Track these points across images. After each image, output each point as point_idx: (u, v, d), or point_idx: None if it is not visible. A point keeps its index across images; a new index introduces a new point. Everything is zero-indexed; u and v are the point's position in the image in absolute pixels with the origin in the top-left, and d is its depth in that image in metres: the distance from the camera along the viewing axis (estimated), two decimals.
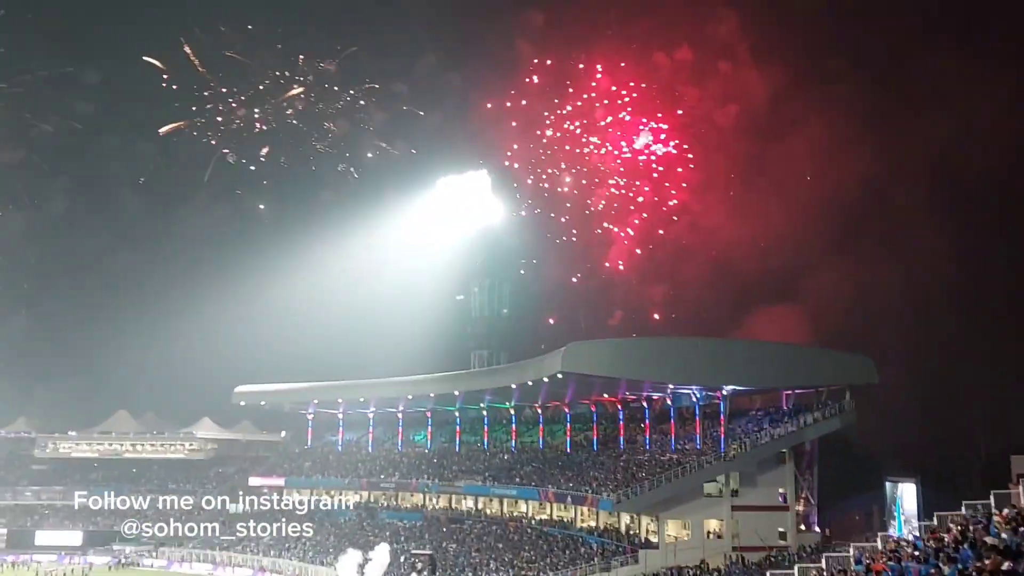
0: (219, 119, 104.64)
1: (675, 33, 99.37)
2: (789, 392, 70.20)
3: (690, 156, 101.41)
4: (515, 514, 78.66)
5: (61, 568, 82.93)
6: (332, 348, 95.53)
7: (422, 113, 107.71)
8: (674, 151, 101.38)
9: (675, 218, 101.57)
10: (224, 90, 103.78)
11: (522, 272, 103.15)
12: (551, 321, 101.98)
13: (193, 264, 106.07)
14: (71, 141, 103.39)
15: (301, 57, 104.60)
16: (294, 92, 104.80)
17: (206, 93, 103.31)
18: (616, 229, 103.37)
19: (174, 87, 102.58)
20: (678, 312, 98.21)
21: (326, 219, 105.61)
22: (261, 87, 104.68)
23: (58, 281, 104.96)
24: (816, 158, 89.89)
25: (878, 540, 34.80)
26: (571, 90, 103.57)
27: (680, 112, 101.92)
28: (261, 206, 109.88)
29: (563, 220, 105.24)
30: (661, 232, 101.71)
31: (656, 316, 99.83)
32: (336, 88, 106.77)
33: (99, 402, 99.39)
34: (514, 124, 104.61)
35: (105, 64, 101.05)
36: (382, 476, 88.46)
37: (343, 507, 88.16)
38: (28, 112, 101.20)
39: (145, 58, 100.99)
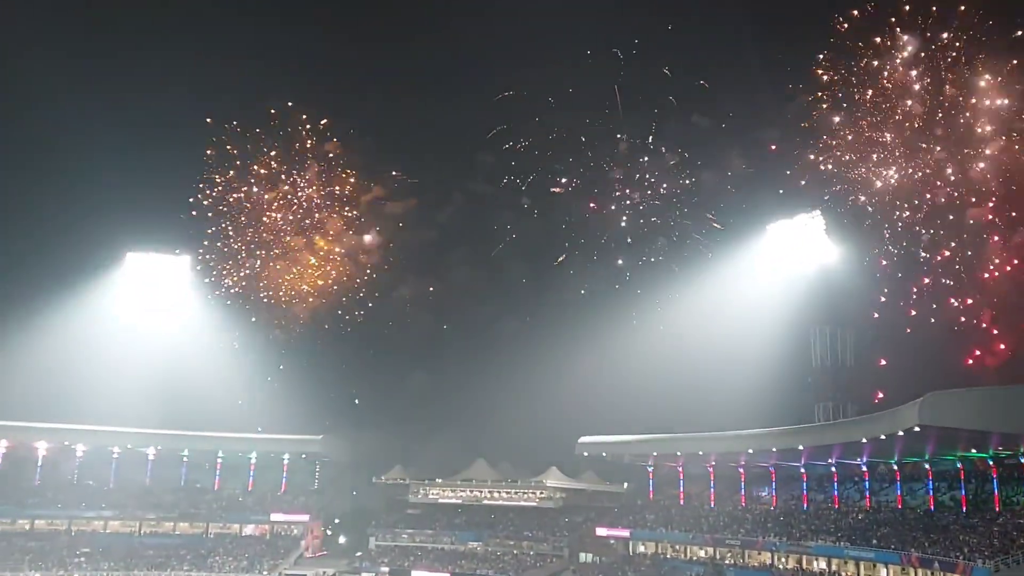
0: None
1: None
2: None
3: None
4: None
5: None
6: (670, 399, 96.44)
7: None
8: None
9: None
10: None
11: (876, 316, 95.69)
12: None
13: (553, 324, 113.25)
14: (470, 219, 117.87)
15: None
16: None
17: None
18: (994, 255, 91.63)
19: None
20: None
21: (664, 273, 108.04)
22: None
23: (453, 344, 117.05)
24: None
25: None
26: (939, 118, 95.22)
27: None
28: (619, 261, 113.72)
29: (921, 256, 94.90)
30: None
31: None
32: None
33: (462, 451, 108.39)
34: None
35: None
36: (727, 532, 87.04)
37: (689, 561, 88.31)
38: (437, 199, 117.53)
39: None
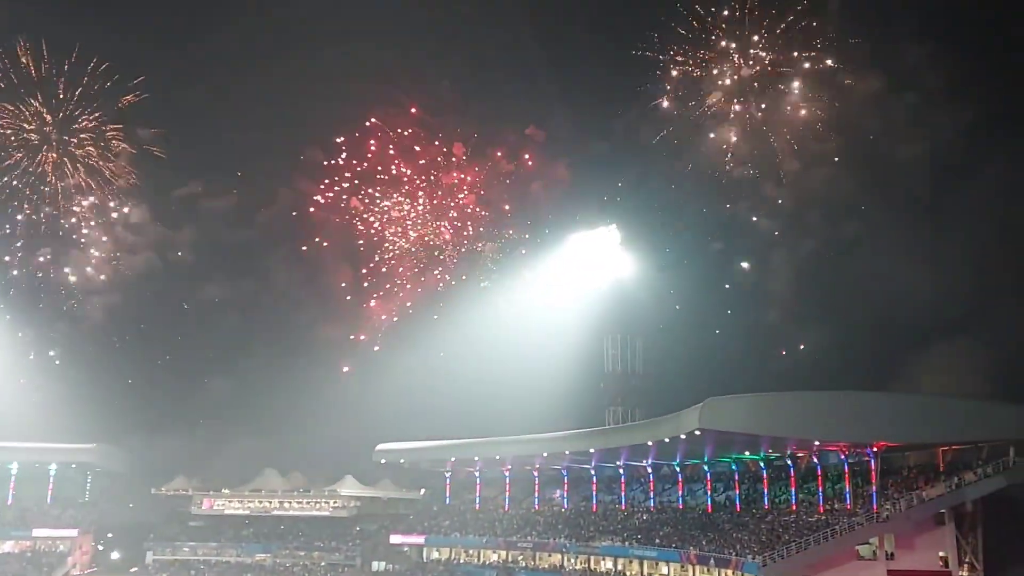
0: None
1: None
2: (946, 448, 66.14)
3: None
4: None
5: None
6: (468, 406, 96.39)
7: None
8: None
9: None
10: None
11: (665, 329, 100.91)
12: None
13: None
14: (293, 219, 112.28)
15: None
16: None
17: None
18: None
19: None
20: (832, 361, 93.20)
21: (460, 280, 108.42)
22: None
23: (261, 349, 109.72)
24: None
25: None
26: None
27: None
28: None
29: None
30: None
31: (805, 366, 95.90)
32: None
33: (251, 460, 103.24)
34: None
35: None
36: (519, 535, 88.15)
37: (482, 565, 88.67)
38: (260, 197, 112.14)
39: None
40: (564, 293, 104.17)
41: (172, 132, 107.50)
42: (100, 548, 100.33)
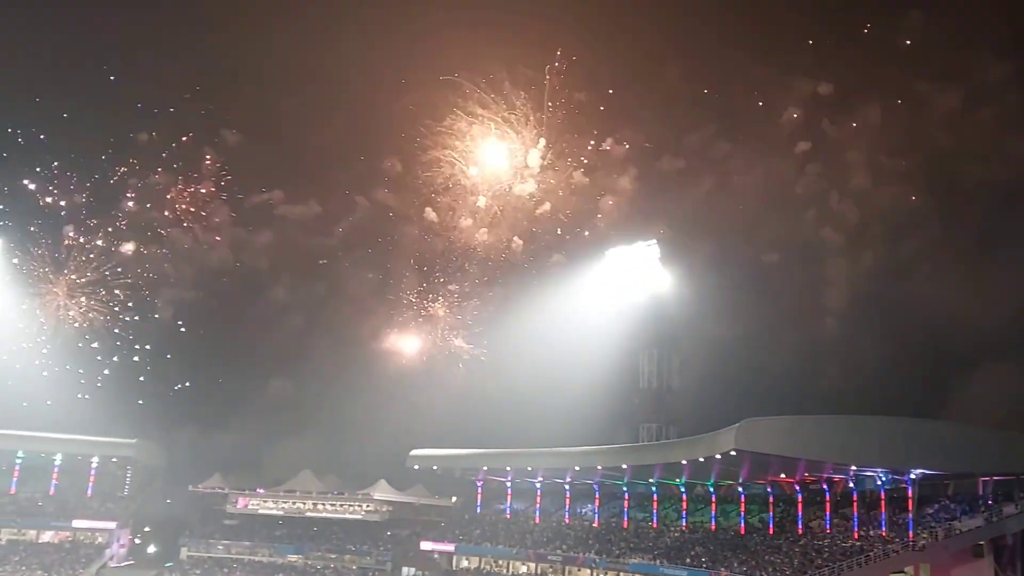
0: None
1: None
2: (987, 478, 65.02)
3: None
4: None
5: None
6: (502, 416, 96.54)
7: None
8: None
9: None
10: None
11: (704, 346, 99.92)
12: None
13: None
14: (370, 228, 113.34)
15: None
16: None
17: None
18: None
19: None
20: (881, 383, 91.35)
21: (499, 291, 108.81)
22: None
23: (323, 354, 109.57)
24: None
25: None
26: None
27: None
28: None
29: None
30: None
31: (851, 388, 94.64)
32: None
33: (288, 461, 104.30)
34: None
35: None
36: (549, 548, 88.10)
37: None
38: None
39: None
40: (601, 307, 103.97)
41: (257, 138, 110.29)
42: (137, 542, 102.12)
